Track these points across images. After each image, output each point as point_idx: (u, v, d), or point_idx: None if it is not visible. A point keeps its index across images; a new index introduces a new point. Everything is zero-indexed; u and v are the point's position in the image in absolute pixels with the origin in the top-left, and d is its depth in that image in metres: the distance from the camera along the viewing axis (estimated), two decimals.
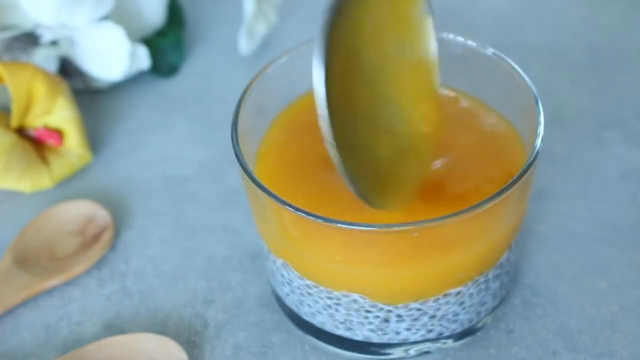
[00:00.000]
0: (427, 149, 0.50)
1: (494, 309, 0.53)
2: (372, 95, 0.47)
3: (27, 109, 0.62)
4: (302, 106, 0.55)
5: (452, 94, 0.55)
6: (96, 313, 0.56)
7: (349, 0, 0.45)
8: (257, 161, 0.53)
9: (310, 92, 0.55)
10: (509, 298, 0.55)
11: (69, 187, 0.63)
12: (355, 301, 0.49)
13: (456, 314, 0.51)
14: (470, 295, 0.50)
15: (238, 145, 0.50)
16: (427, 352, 0.53)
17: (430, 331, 0.51)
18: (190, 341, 0.54)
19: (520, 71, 0.53)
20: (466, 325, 0.52)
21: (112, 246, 0.59)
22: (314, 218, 0.47)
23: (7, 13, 0.66)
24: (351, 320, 0.51)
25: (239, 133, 0.51)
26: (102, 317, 0.55)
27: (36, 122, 0.63)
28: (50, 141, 0.63)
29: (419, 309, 0.50)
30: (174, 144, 0.66)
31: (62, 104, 0.63)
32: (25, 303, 0.56)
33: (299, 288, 0.51)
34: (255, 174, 0.49)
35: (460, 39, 0.55)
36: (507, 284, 0.54)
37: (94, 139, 0.66)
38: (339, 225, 0.47)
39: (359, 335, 0.51)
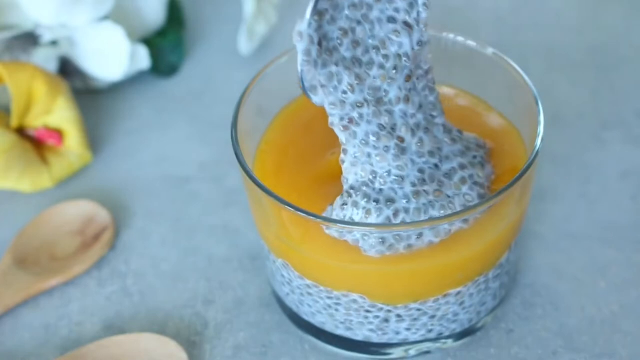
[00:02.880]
0: None
1: (494, 309, 0.53)
2: None
3: (27, 109, 0.62)
4: (301, 105, 0.55)
5: (452, 92, 0.55)
6: (96, 313, 0.56)
7: None
8: (256, 159, 0.53)
9: None
10: (509, 298, 0.55)
11: (69, 187, 0.63)
12: (355, 301, 0.49)
13: (456, 314, 0.51)
14: (470, 295, 0.50)
15: (238, 145, 0.50)
16: (427, 352, 0.53)
17: (430, 331, 0.51)
18: (190, 341, 0.54)
19: (521, 71, 0.53)
20: (466, 325, 0.52)
21: (112, 246, 0.59)
22: (313, 218, 0.47)
23: (7, 13, 0.66)
24: (351, 320, 0.51)
25: (239, 133, 0.51)
26: (102, 317, 0.55)
27: (36, 122, 0.63)
28: (50, 141, 0.63)
29: (418, 309, 0.50)
30: (174, 144, 0.66)
31: (62, 104, 0.63)
32: (25, 303, 0.56)
33: (299, 288, 0.51)
34: (254, 172, 0.49)
35: (460, 39, 0.55)
36: (507, 284, 0.54)
37: (94, 139, 0.66)
38: (338, 225, 0.47)
39: (359, 335, 0.51)
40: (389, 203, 0.47)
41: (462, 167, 0.49)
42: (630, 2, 0.75)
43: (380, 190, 0.48)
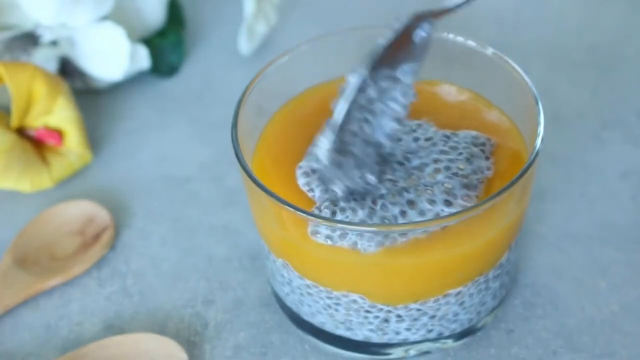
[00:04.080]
0: None
1: (494, 309, 0.53)
2: None
3: (27, 109, 0.62)
4: (298, 103, 0.55)
5: (454, 89, 0.55)
6: (96, 313, 0.56)
7: None
8: (254, 158, 0.53)
9: (307, 89, 0.55)
10: (509, 298, 0.55)
11: (69, 187, 0.63)
12: (354, 301, 0.49)
13: (456, 314, 0.51)
14: (471, 295, 0.50)
15: (238, 145, 0.50)
16: (427, 352, 0.53)
17: (430, 331, 0.51)
18: (190, 341, 0.54)
19: (521, 71, 0.53)
20: (466, 325, 0.52)
21: (112, 246, 0.59)
22: (314, 218, 0.47)
23: (7, 13, 0.66)
24: (351, 320, 0.51)
25: (239, 133, 0.51)
26: (102, 317, 0.55)
27: (36, 122, 0.63)
28: (50, 141, 0.63)
29: (418, 309, 0.50)
30: (174, 144, 0.66)
31: (62, 104, 0.63)
32: (25, 303, 0.56)
33: (299, 288, 0.51)
34: (252, 169, 0.49)
35: (460, 39, 0.55)
36: (507, 284, 0.54)
37: (94, 139, 0.66)
38: (339, 225, 0.47)
39: (359, 335, 0.51)
40: (364, 194, 0.48)
41: (436, 161, 0.50)
42: (630, 2, 0.75)
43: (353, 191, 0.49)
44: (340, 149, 0.48)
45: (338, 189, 0.48)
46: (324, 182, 0.49)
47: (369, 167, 0.49)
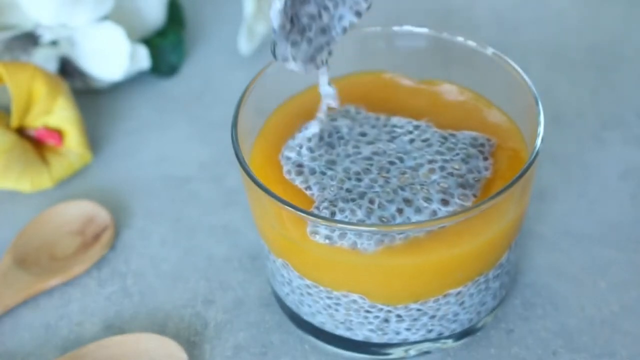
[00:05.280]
0: None
1: (494, 309, 0.53)
2: None
3: (27, 109, 0.62)
4: (297, 101, 0.55)
5: (455, 88, 0.55)
6: (96, 313, 0.56)
7: None
8: (252, 157, 0.53)
9: (307, 89, 0.55)
10: (509, 298, 0.55)
11: (69, 187, 0.63)
12: (354, 301, 0.49)
13: (456, 314, 0.51)
14: (471, 295, 0.50)
15: (238, 145, 0.50)
16: (427, 352, 0.53)
17: (430, 331, 0.51)
18: (190, 341, 0.54)
19: (521, 71, 0.53)
20: (466, 325, 0.52)
21: (112, 246, 0.59)
22: (313, 218, 0.47)
23: (7, 13, 0.66)
24: (351, 320, 0.51)
25: (239, 133, 0.51)
26: (102, 317, 0.55)
27: (36, 122, 0.63)
28: (50, 141, 0.63)
29: (419, 309, 0.50)
30: (174, 144, 0.66)
31: (62, 104, 0.63)
32: (25, 303, 0.56)
33: (299, 288, 0.51)
34: (251, 168, 0.50)
35: (460, 39, 0.55)
36: (507, 284, 0.54)
37: (94, 139, 0.66)
38: (338, 225, 0.47)
39: (359, 335, 0.51)
40: (362, 194, 0.48)
41: (430, 161, 0.50)
42: (630, 2, 0.75)
43: (349, 190, 0.49)
44: (297, 28, 0.47)
45: (290, 67, 0.48)
46: (275, 55, 0.48)
47: (321, 61, 0.49)
